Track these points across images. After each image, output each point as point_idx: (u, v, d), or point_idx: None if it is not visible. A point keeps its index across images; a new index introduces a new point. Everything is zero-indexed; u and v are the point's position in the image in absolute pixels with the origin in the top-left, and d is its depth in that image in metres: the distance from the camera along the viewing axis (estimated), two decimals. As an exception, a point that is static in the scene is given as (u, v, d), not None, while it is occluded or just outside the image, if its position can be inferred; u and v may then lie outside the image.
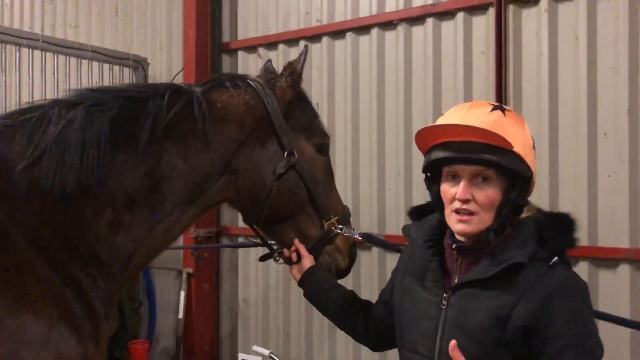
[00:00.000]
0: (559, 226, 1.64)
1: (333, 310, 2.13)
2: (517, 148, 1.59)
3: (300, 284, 2.15)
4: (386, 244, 2.51)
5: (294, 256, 2.15)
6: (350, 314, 2.09)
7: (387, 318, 1.96)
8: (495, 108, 1.65)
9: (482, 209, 1.60)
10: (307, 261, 2.14)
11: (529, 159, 1.62)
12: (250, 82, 2.09)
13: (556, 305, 1.52)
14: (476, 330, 1.57)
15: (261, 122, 2.04)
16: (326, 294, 2.12)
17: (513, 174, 1.59)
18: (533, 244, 1.60)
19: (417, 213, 1.93)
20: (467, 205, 1.61)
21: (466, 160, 1.59)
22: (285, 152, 2.04)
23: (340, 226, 2.16)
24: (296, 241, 2.14)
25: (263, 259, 2.30)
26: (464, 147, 1.59)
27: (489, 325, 1.55)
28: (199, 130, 1.94)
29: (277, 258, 2.22)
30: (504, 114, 1.64)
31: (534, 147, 1.68)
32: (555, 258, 1.58)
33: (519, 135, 1.62)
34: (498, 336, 1.55)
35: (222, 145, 1.98)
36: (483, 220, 1.61)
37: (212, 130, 1.96)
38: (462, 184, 1.61)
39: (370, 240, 2.36)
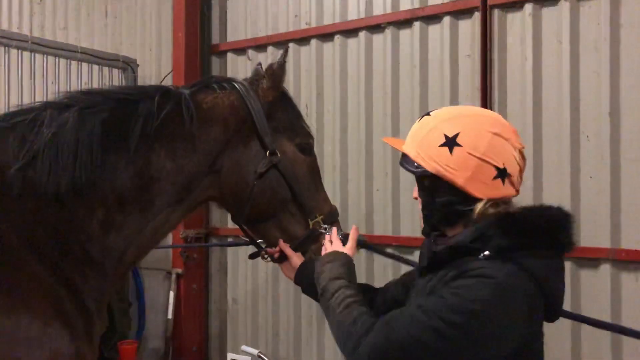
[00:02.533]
0: (505, 226, 1.56)
1: None
2: (410, 151, 1.69)
3: (296, 282, 2.18)
4: (367, 245, 2.52)
5: (277, 253, 2.19)
6: None
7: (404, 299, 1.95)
8: (421, 116, 1.77)
9: (420, 206, 1.74)
10: (296, 259, 2.16)
11: (422, 158, 1.64)
12: (235, 84, 2.13)
13: (451, 282, 1.52)
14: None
15: (244, 123, 2.08)
16: None
17: (416, 175, 1.69)
18: (464, 239, 1.58)
19: None
20: (419, 205, 1.75)
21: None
22: (268, 152, 2.08)
23: (325, 226, 2.18)
24: (281, 242, 2.17)
25: (252, 256, 2.35)
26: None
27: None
28: (186, 132, 1.98)
29: (266, 256, 2.25)
30: (420, 120, 1.75)
31: (444, 145, 1.61)
32: (486, 252, 1.53)
33: (418, 138, 1.70)
34: None
35: (207, 146, 2.02)
36: (421, 217, 1.75)
37: (199, 131, 2.00)
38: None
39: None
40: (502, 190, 1.61)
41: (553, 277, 1.58)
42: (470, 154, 1.58)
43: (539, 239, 1.55)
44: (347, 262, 1.86)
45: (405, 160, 1.71)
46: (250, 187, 2.07)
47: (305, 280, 2.16)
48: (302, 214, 2.16)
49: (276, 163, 2.09)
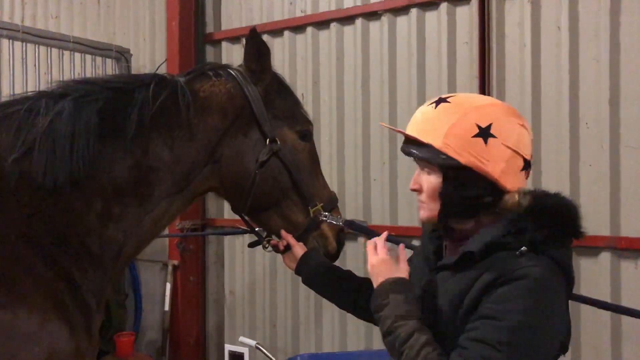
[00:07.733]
0: (538, 218, 1.57)
1: (333, 292, 2.14)
2: (434, 141, 1.59)
3: (297, 271, 2.17)
4: (368, 231, 2.51)
5: (282, 245, 2.17)
6: (350, 294, 2.11)
7: None
8: (433, 102, 1.67)
9: (427, 197, 1.66)
10: (298, 249, 2.15)
11: (453, 149, 1.58)
12: (231, 72, 2.10)
13: (493, 290, 1.49)
14: (440, 313, 1.60)
15: (242, 110, 2.05)
16: (324, 277, 2.13)
17: (442, 166, 1.61)
18: (499, 234, 1.57)
19: None
20: (418, 196, 1.71)
21: (403, 151, 1.71)
22: (268, 140, 2.06)
23: (325, 213, 2.17)
24: (283, 232, 2.16)
25: (252, 245, 2.33)
26: (406, 142, 1.71)
27: (448, 310, 1.58)
28: (183, 121, 1.95)
29: (266, 246, 2.23)
30: (436, 107, 1.64)
31: (478, 135, 1.58)
32: (523, 248, 1.53)
33: (443, 127, 1.59)
34: (454, 321, 1.57)
35: (206, 134, 1.99)
36: (430, 209, 1.67)
37: (196, 120, 1.97)
38: (414, 174, 1.71)
39: (352, 227, 2.32)
40: (524, 181, 1.64)
41: (571, 264, 1.62)
42: (504, 145, 1.57)
43: (565, 229, 1.59)
44: (411, 294, 1.64)
45: (422, 150, 1.62)
46: (252, 177, 2.04)
47: (306, 272, 2.15)
48: (303, 201, 2.14)
49: (277, 151, 2.06)
